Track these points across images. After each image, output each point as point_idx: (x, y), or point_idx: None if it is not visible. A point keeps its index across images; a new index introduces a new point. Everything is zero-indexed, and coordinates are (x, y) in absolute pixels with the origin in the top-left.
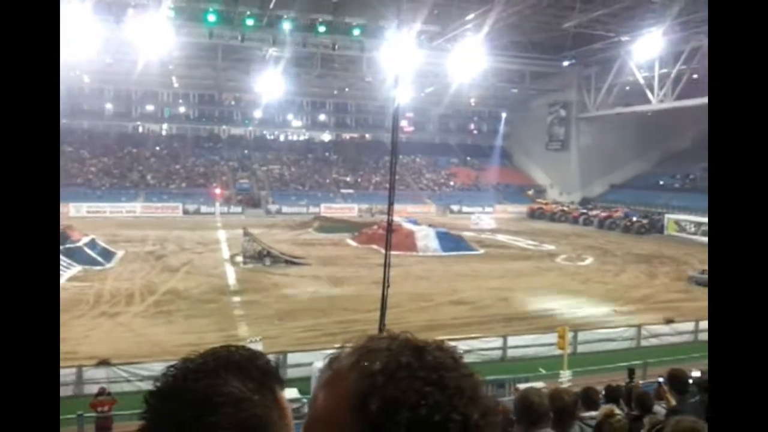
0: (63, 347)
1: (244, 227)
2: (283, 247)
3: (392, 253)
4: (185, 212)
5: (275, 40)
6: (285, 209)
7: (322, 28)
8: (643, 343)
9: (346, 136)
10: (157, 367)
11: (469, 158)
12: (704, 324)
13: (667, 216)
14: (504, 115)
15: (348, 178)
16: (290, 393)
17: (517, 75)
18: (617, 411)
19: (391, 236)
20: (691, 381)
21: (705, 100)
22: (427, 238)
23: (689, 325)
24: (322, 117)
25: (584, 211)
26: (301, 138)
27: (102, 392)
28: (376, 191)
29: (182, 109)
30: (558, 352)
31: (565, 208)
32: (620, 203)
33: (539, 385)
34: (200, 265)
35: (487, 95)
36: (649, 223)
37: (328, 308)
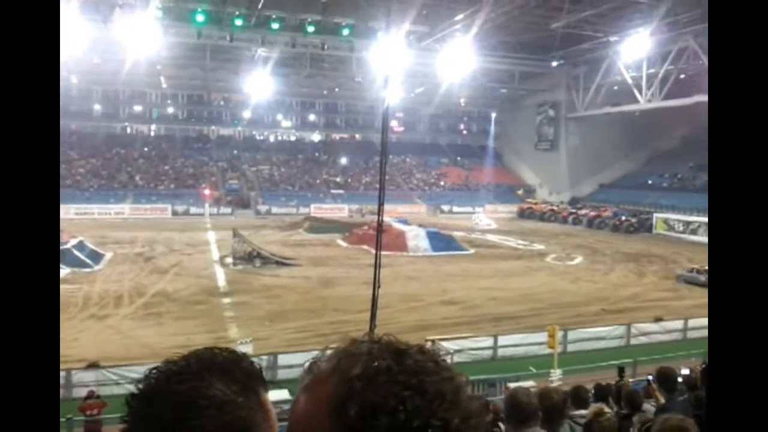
0: None
1: (233, 228)
2: (274, 248)
3: (383, 253)
4: (174, 213)
5: (264, 40)
6: (275, 210)
7: (311, 28)
8: (633, 341)
9: (336, 136)
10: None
11: (459, 158)
12: (693, 322)
13: (655, 215)
14: (494, 115)
15: (338, 179)
16: (281, 394)
17: (506, 75)
18: (607, 409)
19: (381, 236)
20: (680, 379)
21: (692, 99)
22: (417, 238)
23: (678, 324)
24: (311, 117)
25: (573, 210)
26: (291, 138)
27: (91, 395)
28: (367, 191)
29: (171, 110)
30: (548, 351)
31: (555, 208)
32: (609, 202)
33: (530, 384)
34: (190, 266)
35: (476, 95)
36: (637, 222)
37: (319, 309)
